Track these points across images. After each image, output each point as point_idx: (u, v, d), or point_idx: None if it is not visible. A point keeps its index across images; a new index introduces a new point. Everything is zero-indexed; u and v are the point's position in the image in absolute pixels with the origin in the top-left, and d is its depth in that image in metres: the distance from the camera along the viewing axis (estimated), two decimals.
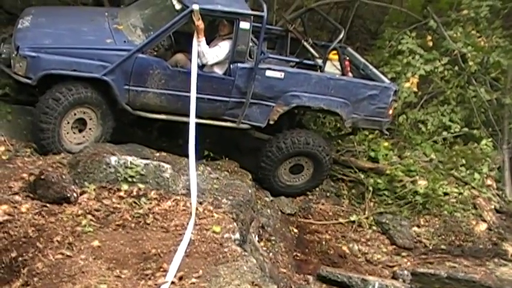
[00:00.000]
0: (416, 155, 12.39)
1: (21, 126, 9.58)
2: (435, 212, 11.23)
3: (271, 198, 10.40)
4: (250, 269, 6.41)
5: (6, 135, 9.15)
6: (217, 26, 9.86)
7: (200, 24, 9.18)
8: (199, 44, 9.27)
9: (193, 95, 8.71)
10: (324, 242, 10.13)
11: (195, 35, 9.21)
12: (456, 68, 13.01)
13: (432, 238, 10.81)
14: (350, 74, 10.60)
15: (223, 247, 6.74)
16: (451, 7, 13.85)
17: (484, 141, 12.69)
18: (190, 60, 9.28)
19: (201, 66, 9.52)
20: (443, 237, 10.88)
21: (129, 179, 7.55)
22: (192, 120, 8.43)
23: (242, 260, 6.55)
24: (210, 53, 9.42)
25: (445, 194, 11.49)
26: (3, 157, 8.46)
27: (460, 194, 11.65)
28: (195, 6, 9.12)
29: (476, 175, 12.23)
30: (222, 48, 9.53)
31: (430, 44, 13.07)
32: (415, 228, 10.92)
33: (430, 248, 10.64)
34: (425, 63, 12.58)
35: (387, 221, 10.76)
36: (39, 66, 8.79)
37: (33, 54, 8.77)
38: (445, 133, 12.98)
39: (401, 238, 10.57)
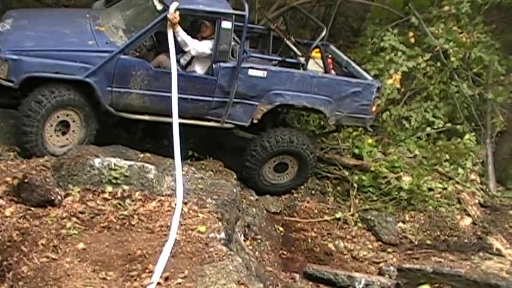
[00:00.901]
0: (401, 151, 12.44)
1: (4, 130, 9.52)
2: (420, 207, 11.26)
3: (256, 197, 10.41)
4: (236, 268, 6.43)
5: None
6: (198, 26, 9.86)
7: (175, 17, 9.15)
8: (177, 34, 9.27)
9: (174, 92, 8.72)
10: (309, 240, 10.16)
11: (169, 27, 9.19)
12: (438, 64, 13.09)
13: (417, 233, 10.85)
14: (333, 72, 10.64)
15: (209, 247, 6.75)
16: (432, 3, 13.93)
17: (467, 136, 12.76)
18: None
19: (184, 67, 9.53)
20: (428, 232, 10.92)
21: (113, 181, 7.54)
22: (176, 119, 8.45)
23: (228, 259, 6.57)
24: (191, 42, 9.43)
25: (430, 189, 11.54)
26: None
27: (445, 189, 11.72)
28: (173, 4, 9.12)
29: (460, 170, 12.32)
30: (204, 44, 9.53)
31: (412, 40, 13.13)
32: (401, 224, 10.95)
33: (416, 243, 10.69)
34: (407, 60, 12.67)
35: (372, 218, 10.79)
36: (21, 69, 8.76)
37: (15, 57, 8.74)
38: (428, 129, 13.04)
39: (387, 234, 10.61)
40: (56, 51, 8.95)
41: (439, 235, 10.90)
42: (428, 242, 10.74)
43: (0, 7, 12.94)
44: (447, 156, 12.50)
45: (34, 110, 8.83)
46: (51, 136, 9.17)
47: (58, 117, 9.11)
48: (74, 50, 9.05)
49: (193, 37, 9.63)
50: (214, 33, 9.53)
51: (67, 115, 9.16)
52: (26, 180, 7.11)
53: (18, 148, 9.05)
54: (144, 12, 9.88)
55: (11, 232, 6.54)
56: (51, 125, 9.12)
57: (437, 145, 12.86)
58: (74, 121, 9.23)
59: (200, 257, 6.54)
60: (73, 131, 9.28)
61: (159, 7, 9.45)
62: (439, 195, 11.58)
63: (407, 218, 11.11)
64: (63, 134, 9.28)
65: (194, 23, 10.16)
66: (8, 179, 7.51)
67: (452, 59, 12.78)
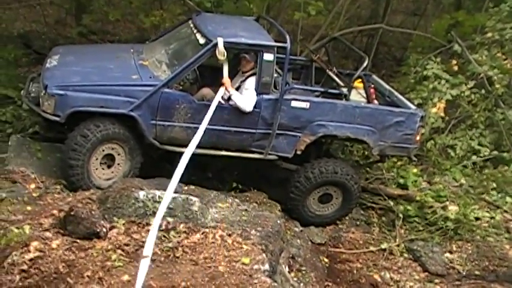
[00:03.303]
0: (446, 180, 12.29)
1: (51, 164, 9.70)
2: (467, 237, 11.07)
3: (301, 228, 10.38)
4: None
5: (36, 172, 9.26)
6: (239, 60, 9.94)
7: (226, 81, 9.36)
8: (232, 97, 9.46)
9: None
10: (355, 271, 10.05)
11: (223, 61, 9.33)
12: (483, 91, 12.97)
13: (465, 264, 10.64)
14: (375, 102, 10.59)
15: (253, 278, 6.72)
16: (475, 30, 13.87)
17: None
18: (216, 93, 9.40)
19: (227, 99, 9.57)
20: (476, 262, 10.71)
21: None
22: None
23: None
24: (247, 102, 9.49)
25: (477, 218, 11.33)
26: (34, 194, 8.57)
27: (492, 218, 11.48)
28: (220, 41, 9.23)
29: (508, 198, 12.08)
30: (252, 89, 9.58)
31: (456, 68, 13.08)
32: (448, 255, 10.76)
33: (464, 274, 10.46)
34: (451, 88, 12.58)
35: (419, 248, 10.63)
36: (67, 103, 8.91)
37: (61, 92, 8.90)
38: (474, 157, 12.88)
39: (434, 265, 10.43)
40: (101, 86, 9.08)
41: (487, 265, 10.68)
42: (476, 272, 10.52)
43: (48, 44, 13.33)
44: (494, 185, 12.32)
45: (80, 144, 8.98)
46: (96, 169, 9.31)
47: (103, 150, 9.25)
48: (119, 85, 9.15)
49: (235, 72, 9.76)
50: (254, 67, 9.62)
51: (112, 148, 9.29)
52: (72, 213, 7.18)
53: (65, 181, 9.19)
54: (187, 46, 10.00)
55: (57, 264, 6.59)
56: (97, 159, 9.25)
57: (483, 173, 12.69)
58: (119, 154, 9.36)
59: None
60: (118, 164, 9.41)
61: (202, 41, 9.55)
62: (486, 225, 11.37)
63: (454, 248, 10.92)
64: (109, 167, 9.41)
65: (236, 56, 10.25)
66: (55, 211, 7.61)
67: (497, 85, 12.67)
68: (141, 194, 7.71)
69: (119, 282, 6.45)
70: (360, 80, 10.40)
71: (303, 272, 9.14)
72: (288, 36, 9.71)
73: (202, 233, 7.48)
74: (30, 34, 15.40)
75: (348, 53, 16.86)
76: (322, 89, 10.53)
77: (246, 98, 9.51)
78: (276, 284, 6.83)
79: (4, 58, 12.62)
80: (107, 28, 16.59)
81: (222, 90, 9.34)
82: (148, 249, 6.31)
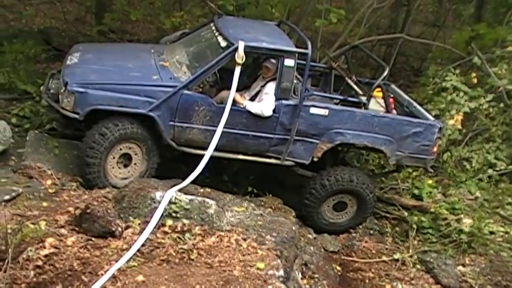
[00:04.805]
0: (461, 192, 12.21)
1: (68, 161, 9.72)
2: (481, 251, 10.98)
3: (315, 235, 10.36)
4: None
5: (53, 168, 9.29)
6: (260, 64, 9.94)
7: (237, 98, 9.43)
8: (246, 107, 9.47)
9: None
10: (367, 281, 9.99)
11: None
12: (501, 104, 12.89)
13: (478, 278, 10.56)
14: (394, 111, 10.54)
15: (267, 284, 6.71)
16: (495, 44, 13.78)
17: None
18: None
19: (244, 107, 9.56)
20: (489, 277, 10.61)
21: (174, 215, 7.58)
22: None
23: None
24: (265, 107, 9.49)
25: (491, 232, 11.24)
26: (50, 190, 8.60)
27: (507, 233, 11.40)
28: (240, 44, 9.23)
29: None
30: (272, 94, 9.57)
31: (475, 80, 12.99)
32: (460, 268, 10.67)
33: None
34: (469, 100, 12.52)
35: (431, 260, 10.55)
36: (86, 101, 8.91)
37: (81, 90, 8.90)
38: (490, 171, 12.79)
39: (446, 277, 10.36)
40: (120, 85, 9.08)
41: (500, 280, 10.58)
42: (488, 287, 10.43)
43: (67, 41, 13.38)
44: (509, 199, 12.24)
45: (98, 142, 8.98)
46: (113, 168, 9.31)
47: (121, 149, 9.25)
48: (139, 84, 9.15)
49: (256, 76, 9.78)
50: (275, 74, 9.60)
51: (129, 148, 9.29)
52: (88, 211, 7.19)
53: (81, 179, 9.21)
54: (208, 49, 9.99)
55: (72, 261, 6.60)
56: (114, 157, 9.26)
57: (499, 187, 12.61)
58: (136, 154, 9.35)
59: None
60: (135, 163, 9.41)
61: (223, 44, 9.55)
62: (500, 239, 11.26)
63: (467, 262, 10.83)
64: (125, 166, 9.41)
65: (256, 60, 10.24)
66: (71, 208, 7.62)
67: None
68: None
69: (133, 282, 6.45)
70: (379, 89, 10.37)
71: (316, 280, 9.11)
72: (309, 43, 9.70)
73: (218, 236, 7.48)
74: (49, 30, 15.47)
75: (365, 61, 16.85)
76: (341, 97, 10.50)
77: (264, 103, 9.50)
78: None
79: (24, 53, 12.65)
80: (126, 28, 16.65)
81: (233, 93, 9.34)
82: None
